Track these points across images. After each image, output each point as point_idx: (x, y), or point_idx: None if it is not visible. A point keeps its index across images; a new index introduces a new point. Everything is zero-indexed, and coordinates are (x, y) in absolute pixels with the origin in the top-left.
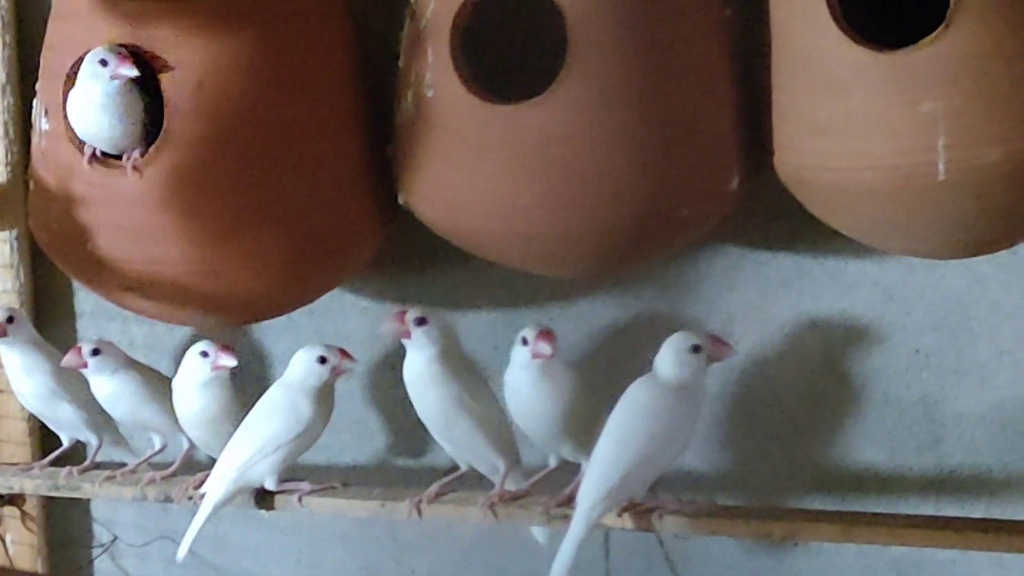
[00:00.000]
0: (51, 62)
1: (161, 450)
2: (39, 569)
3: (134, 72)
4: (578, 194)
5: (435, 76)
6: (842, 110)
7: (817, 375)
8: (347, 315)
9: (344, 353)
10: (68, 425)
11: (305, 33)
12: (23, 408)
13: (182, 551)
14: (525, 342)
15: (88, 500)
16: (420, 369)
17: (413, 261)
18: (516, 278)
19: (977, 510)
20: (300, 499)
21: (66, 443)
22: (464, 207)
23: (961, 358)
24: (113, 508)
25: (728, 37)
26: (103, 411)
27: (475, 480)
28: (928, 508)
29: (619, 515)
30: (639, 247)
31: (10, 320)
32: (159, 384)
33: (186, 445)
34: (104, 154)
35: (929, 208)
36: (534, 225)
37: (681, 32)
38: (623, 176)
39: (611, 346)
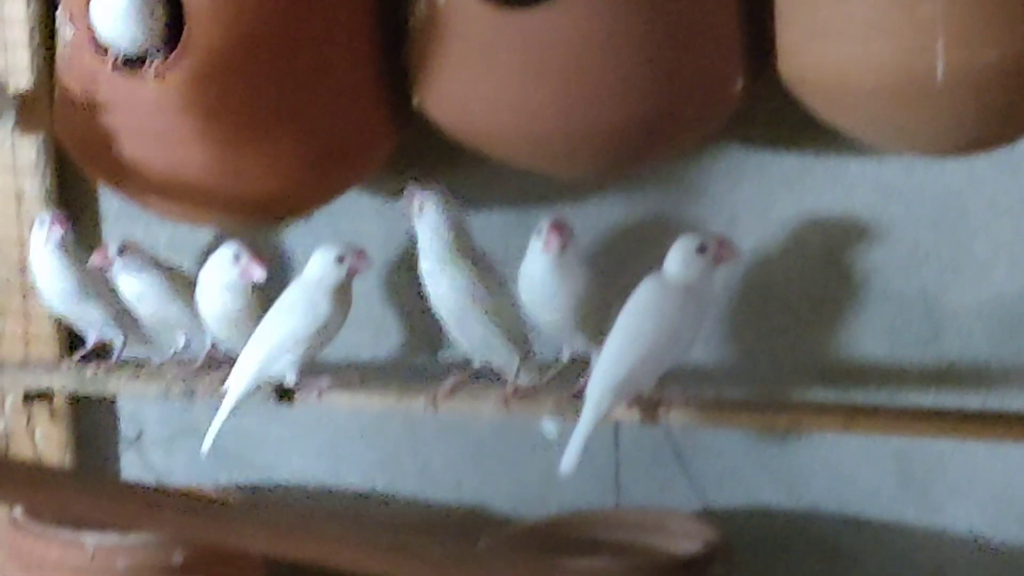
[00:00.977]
0: None
1: (185, 347)
2: (67, 463)
3: None
4: (587, 95)
5: None
6: (842, 13)
7: (819, 271)
8: (364, 216)
9: (361, 253)
10: (94, 324)
11: None
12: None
13: (206, 445)
14: (540, 234)
15: (114, 396)
16: (434, 256)
17: (427, 163)
18: (527, 179)
19: (975, 401)
20: (319, 394)
21: (91, 341)
22: (476, 109)
23: (959, 253)
24: (139, 404)
25: None
26: (128, 310)
27: (489, 375)
28: (927, 399)
29: (628, 408)
30: (646, 147)
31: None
32: (183, 283)
33: (209, 342)
34: (127, 60)
35: (928, 108)
36: (544, 125)
37: None
38: (630, 77)
39: (620, 243)
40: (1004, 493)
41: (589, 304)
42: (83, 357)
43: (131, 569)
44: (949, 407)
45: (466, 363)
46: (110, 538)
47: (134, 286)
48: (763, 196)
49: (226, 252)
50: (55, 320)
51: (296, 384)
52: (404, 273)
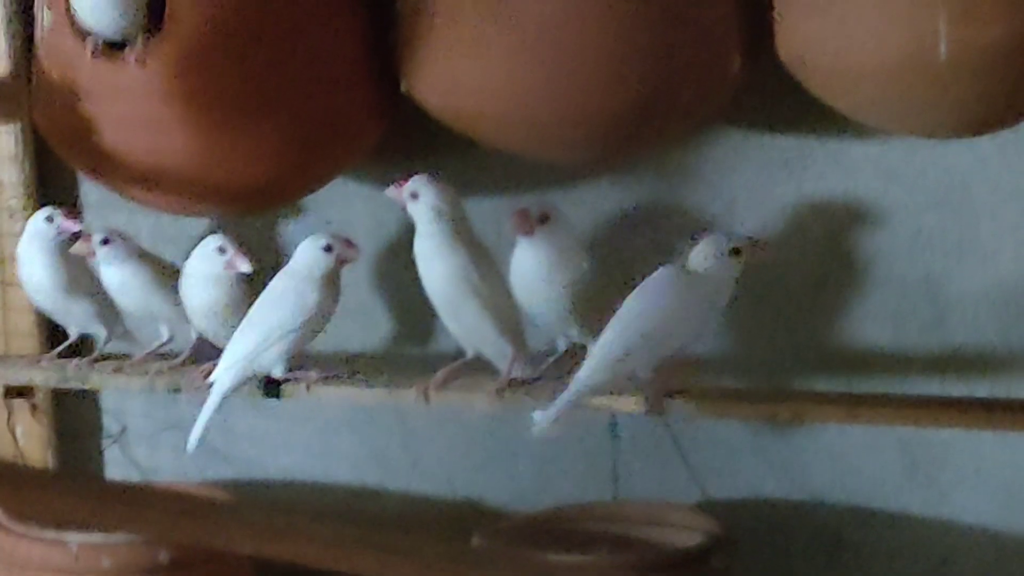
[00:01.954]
0: None
1: (169, 341)
2: (50, 460)
3: None
4: (579, 78)
5: None
6: None
7: (820, 256)
8: (351, 204)
9: (349, 242)
10: (77, 318)
11: None
12: (31, 302)
13: (192, 441)
14: None
15: (97, 391)
16: (431, 238)
17: (416, 149)
18: (519, 165)
19: (981, 388)
20: (308, 387)
21: (74, 335)
22: (466, 93)
23: (964, 237)
24: (122, 399)
25: None
26: (111, 304)
27: (481, 367)
28: (933, 387)
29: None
30: (641, 131)
31: (49, 219)
32: (168, 274)
33: (194, 336)
34: (107, 45)
35: (931, 88)
36: (536, 110)
37: None
38: (625, 59)
39: (616, 230)
40: (1011, 482)
41: (583, 292)
42: (64, 352)
43: (116, 568)
44: (955, 395)
45: (458, 354)
46: (94, 537)
47: (118, 276)
48: (762, 180)
49: (210, 244)
50: (36, 314)
51: (284, 377)
52: (394, 262)
